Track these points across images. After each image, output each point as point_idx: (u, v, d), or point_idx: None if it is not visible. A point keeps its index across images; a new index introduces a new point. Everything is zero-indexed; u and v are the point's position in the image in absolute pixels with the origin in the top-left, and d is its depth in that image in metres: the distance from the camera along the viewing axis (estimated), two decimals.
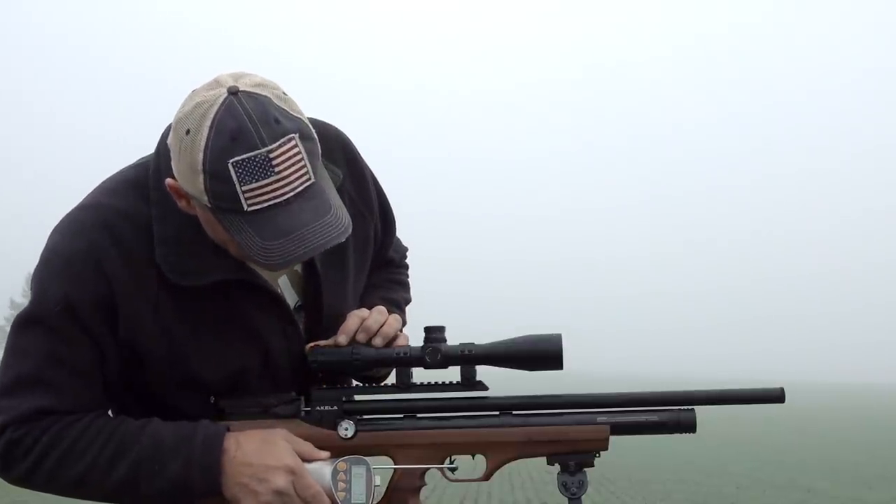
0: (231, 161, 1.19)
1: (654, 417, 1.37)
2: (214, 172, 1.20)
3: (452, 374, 1.36)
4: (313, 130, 1.26)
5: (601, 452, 1.39)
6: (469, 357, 1.37)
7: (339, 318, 1.45)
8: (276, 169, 1.20)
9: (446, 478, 1.41)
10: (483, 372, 1.41)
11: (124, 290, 1.33)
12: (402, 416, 1.41)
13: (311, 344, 1.44)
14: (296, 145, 1.22)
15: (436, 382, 1.40)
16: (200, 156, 1.20)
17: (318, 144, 1.27)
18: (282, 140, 1.21)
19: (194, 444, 1.32)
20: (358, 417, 1.39)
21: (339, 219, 1.26)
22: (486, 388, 1.41)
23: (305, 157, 1.23)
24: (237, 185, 1.19)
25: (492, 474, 1.41)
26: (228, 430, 1.35)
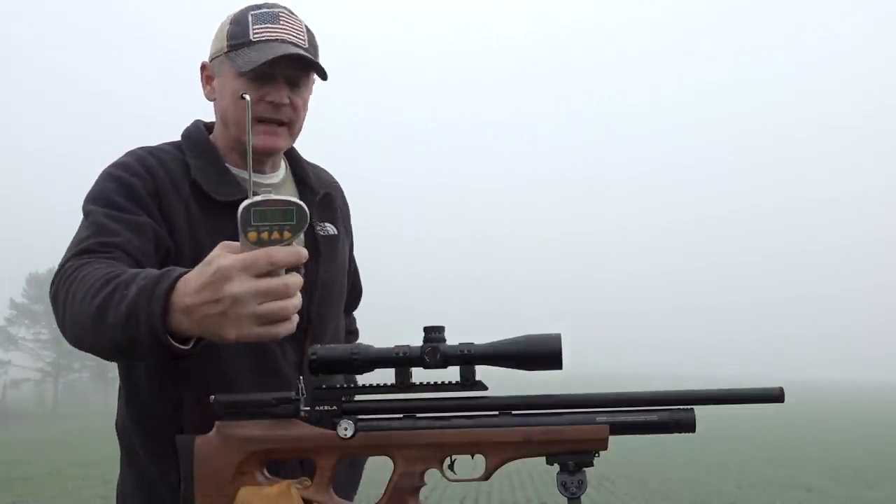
0: (251, 13, 1.61)
1: (653, 417, 1.37)
2: (236, 19, 1.61)
3: (452, 374, 1.36)
4: (318, 44, 1.64)
5: (601, 452, 1.38)
6: (468, 357, 1.37)
7: (332, 290, 1.71)
8: (281, 21, 1.60)
9: (446, 478, 1.41)
10: (483, 372, 1.42)
11: (164, 187, 1.56)
12: (401, 415, 1.41)
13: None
14: (303, 24, 1.63)
15: (435, 382, 1.40)
16: (231, 15, 1.63)
17: (318, 51, 1.64)
18: (293, 14, 1.63)
19: (154, 274, 1.25)
20: (357, 417, 1.39)
21: (310, 59, 1.59)
22: (485, 388, 1.41)
23: (306, 35, 1.62)
24: (250, 24, 1.59)
25: (491, 474, 1.40)
26: None
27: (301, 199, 1.54)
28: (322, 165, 1.90)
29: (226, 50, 1.60)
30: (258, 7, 1.63)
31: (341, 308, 1.82)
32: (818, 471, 14.58)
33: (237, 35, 1.59)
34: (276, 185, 1.71)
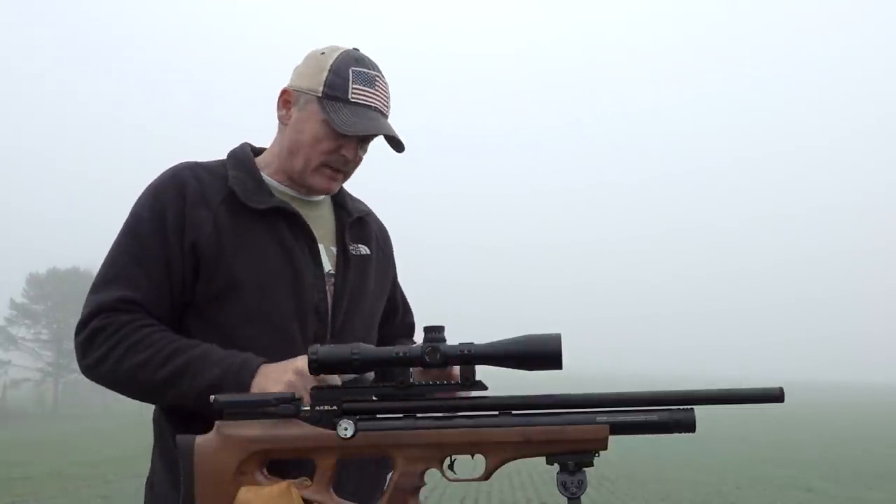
0: (352, 68, 1.72)
1: (653, 417, 1.37)
2: (337, 70, 1.71)
3: None
4: None
5: (601, 452, 1.39)
6: (468, 357, 1.38)
7: (359, 303, 1.79)
8: (377, 86, 1.73)
9: (446, 478, 1.41)
10: (483, 372, 1.42)
11: (193, 202, 1.68)
12: (401, 415, 1.41)
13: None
14: (388, 87, 1.77)
15: (435, 382, 1.40)
16: (330, 62, 1.72)
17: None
18: (384, 80, 1.76)
19: (236, 360, 1.57)
20: (357, 417, 1.39)
21: (396, 133, 1.72)
22: (485, 388, 1.41)
23: (389, 98, 1.76)
24: (350, 82, 1.70)
25: (491, 474, 1.40)
26: None
27: (336, 219, 1.85)
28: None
29: (319, 94, 1.71)
30: (358, 62, 1.73)
31: (371, 327, 1.85)
32: (818, 471, 14.58)
33: (335, 87, 1.70)
34: (317, 203, 1.84)
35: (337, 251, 1.80)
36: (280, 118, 1.78)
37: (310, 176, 1.75)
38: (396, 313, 2.03)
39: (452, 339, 1.40)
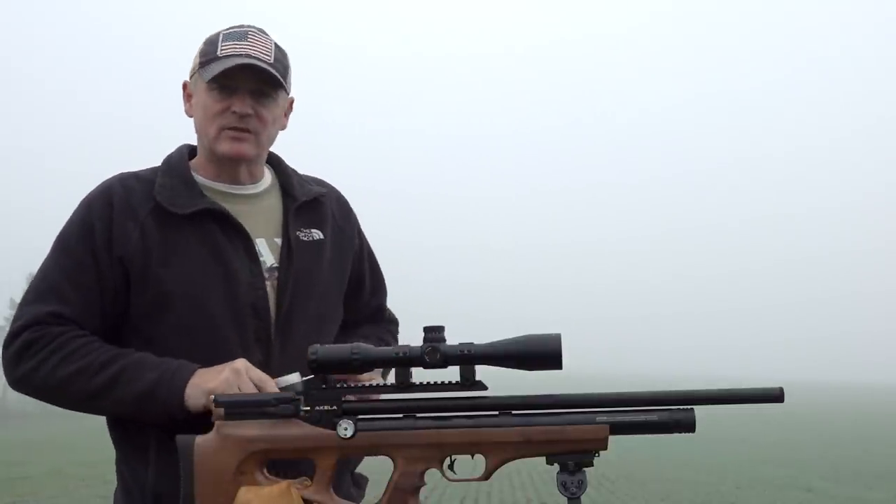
0: (223, 32, 1.73)
1: (653, 417, 1.37)
2: (210, 39, 1.73)
3: (452, 373, 1.37)
4: (289, 64, 1.75)
5: (600, 452, 1.38)
6: (468, 357, 1.37)
7: (308, 292, 1.73)
8: (249, 39, 1.71)
9: (446, 478, 1.41)
10: (483, 372, 1.41)
11: (120, 215, 1.67)
12: (401, 415, 1.41)
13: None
14: (272, 42, 1.73)
15: (435, 382, 1.40)
16: (207, 38, 1.74)
17: (290, 70, 1.75)
18: (263, 34, 1.73)
19: (171, 364, 1.58)
20: (357, 417, 1.39)
21: (272, 72, 1.68)
22: (485, 388, 1.41)
23: (273, 51, 1.71)
24: (220, 42, 1.70)
25: (491, 474, 1.40)
26: None
27: (283, 207, 1.80)
28: (329, 176, 1.96)
29: (198, 67, 1.72)
30: (231, 28, 1.75)
31: (326, 313, 1.80)
32: (818, 471, 14.58)
33: (208, 52, 1.71)
34: (257, 195, 1.79)
35: (282, 242, 1.76)
36: (186, 112, 1.77)
37: (217, 146, 1.70)
38: (361, 290, 1.94)
39: (452, 339, 1.40)
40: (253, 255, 1.70)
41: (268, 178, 1.84)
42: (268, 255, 1.73)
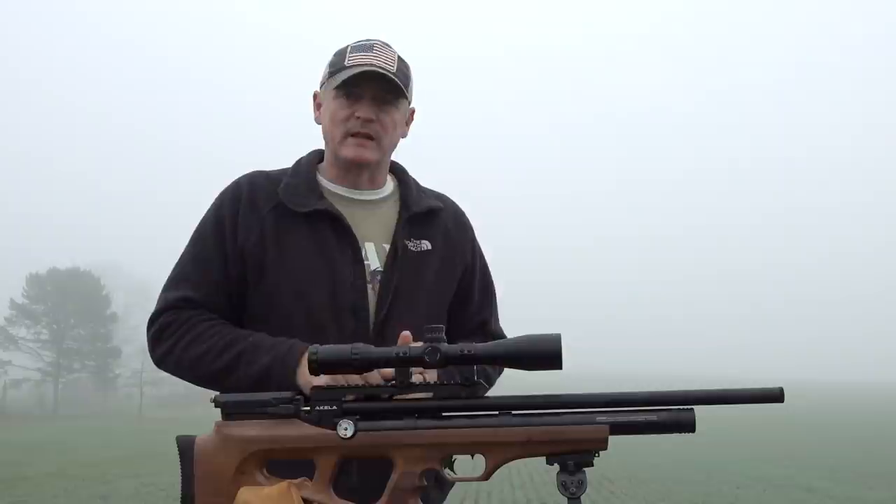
0: (350, 45, 1.85)
1: (653, 417, 1.37)
2: (339, 51, 1.85)
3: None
4: (411, 75, 1.88)
5: (601, 452, 1.38)
6: (468, 357, 1.37)
7: (409, 298, 1.81)
8: (375, 50, 1.82)
9: (446, 477, 1.41)
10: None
11: (246, 209, 1.82)
12: (401, 416, 1.41)
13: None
14: (395, 54, 1.85)
15: (435, 382, 1.39)
16: (336, 50, 1.86)
17: (411, 80, 1.88)
18: (388, 46, 1.85)
19: (283, 347, 1.70)
20: (357, 417, 1.39)
21: (394, 80, 1.80)
22: (485, 388, 1.41)
23: (397, 62, 1.83)
24: (347, 55, 1.82)
25: (491, 474, 1.40)
26: None
27: (399, 214, 1.90)
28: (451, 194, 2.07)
29: (327, 77, 1.85)
30: (359, 41, 1.87)
31: (423, 318, 1.72)
32: (818, 471, 14.57)
33: (336, 63, 1.83)
34: (375, 201, 1.90)
35: (389, 248, 1.85)
36: (315, 120, 1.91)
37: (341, 150, 1.83)
38: (468, 304, 2.00)
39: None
40: (358, 258, 1.81)
41: (389, 186, 1.96)
42: (374, 260, 1.84)
